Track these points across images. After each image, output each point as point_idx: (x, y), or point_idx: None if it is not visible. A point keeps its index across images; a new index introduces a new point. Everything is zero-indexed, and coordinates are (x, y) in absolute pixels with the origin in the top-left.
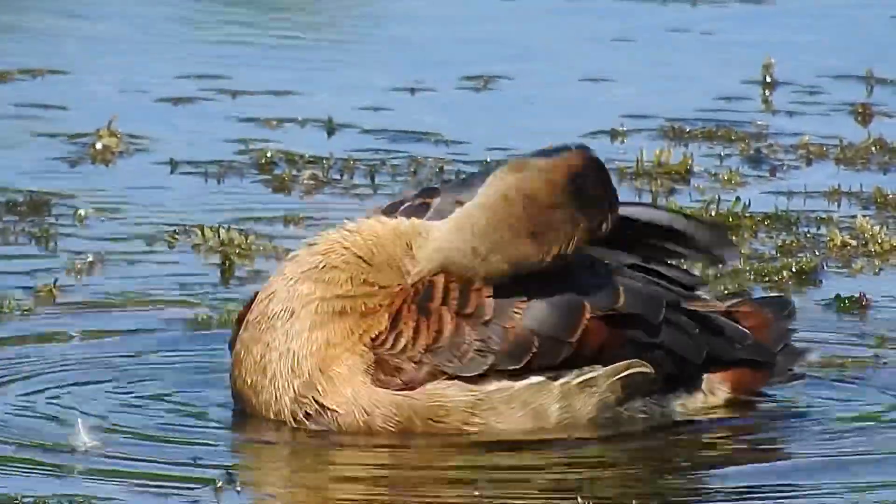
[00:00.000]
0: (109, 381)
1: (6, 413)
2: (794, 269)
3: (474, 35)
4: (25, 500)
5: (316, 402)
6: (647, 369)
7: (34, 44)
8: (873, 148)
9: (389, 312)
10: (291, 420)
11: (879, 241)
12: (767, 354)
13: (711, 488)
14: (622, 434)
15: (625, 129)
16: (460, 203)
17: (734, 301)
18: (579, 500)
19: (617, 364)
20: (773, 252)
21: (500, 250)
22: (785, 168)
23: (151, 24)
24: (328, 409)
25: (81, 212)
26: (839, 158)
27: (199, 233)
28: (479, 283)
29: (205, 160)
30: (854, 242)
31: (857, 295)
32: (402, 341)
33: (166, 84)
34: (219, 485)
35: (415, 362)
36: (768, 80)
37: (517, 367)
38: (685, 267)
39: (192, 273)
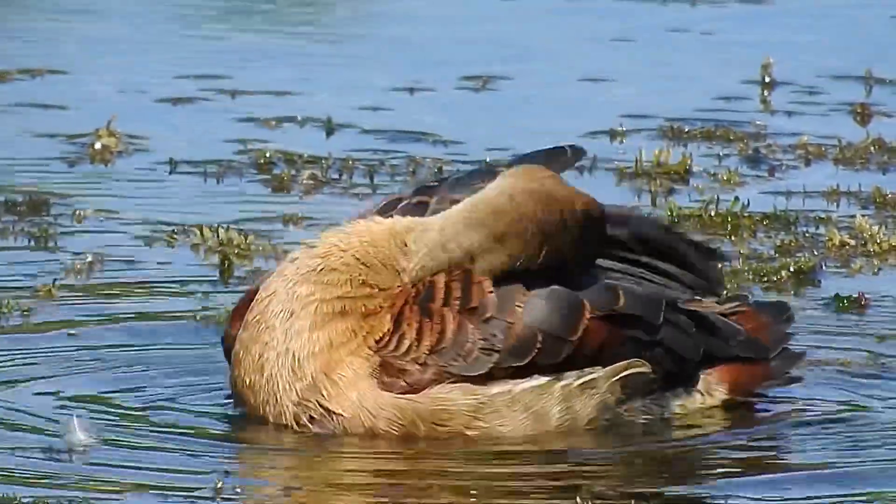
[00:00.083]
0: (109, 380)
1: (4, 412)
2: (792, 269)
3: (474, 35)
4: (25, 500)
5: (321, 405)
6: (646, 369)
7: (34, 44)
8: (872, 148)
9: (391, 314)
10: (294, 423)
11: (878, 240)
12: (761, 350)
13: (711, 488)
14: (622, 434)
15: (624, 128)
16: (457, 201)
17: (732, 305)
18: (578, 500)
19: (616, 364)
20: (772, 252)
21: (501, 250)
22: (784, 168)
23: (151, 24)
24: (334, 413)
25: (80, 212)
26: (838, 158)
27: (199, 232)
28: (478, 276)
29: (204, 160)
30: (853, 242)
31: (855, 295)
32: (406, 343)
33: (165, 84)
34: (218, 485)
35: (419, 364)
36: (767, 80)
37: (521, 363)
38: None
39: (191, 273)
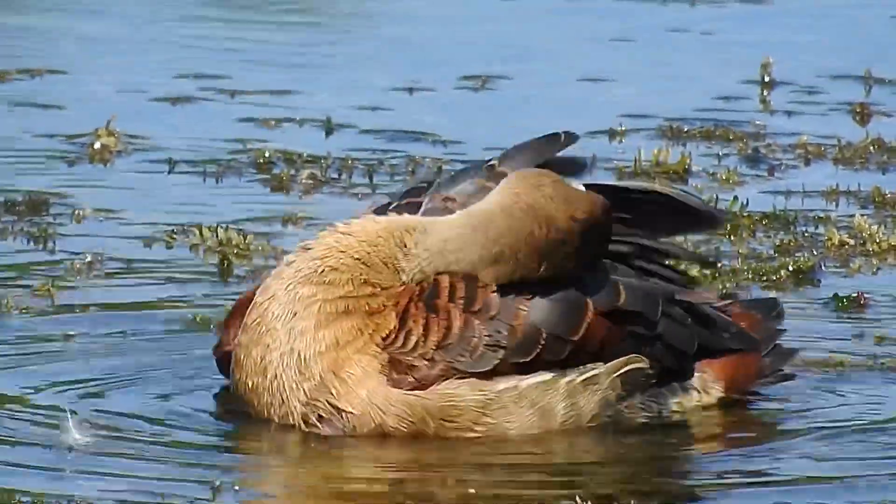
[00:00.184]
0: (108, 380)
1: (2, 412)
2: (792, 269)
3: (474, 35)
4: (24, 499)
5: (330, 404)
6: (644, 364)
7: (33, 44)
8: (871, 147)
9: (397, 311)
10: (302, 423)
11: (877, 240)
12: (753, 342)
13: (711, 488)
14: (621, 432)
15: (623, 128)
16: (449, 199)
17: (724, 303)
18: (578, 499)
19: (616, 360)
20: (772, 251)
21: (512, 258)
22: (783, 167)
23: (151, 24)
24: (343, 411)
25: (80, 211)
26: (837, 158)
27: (198, 232)
28: (482, 280)
29: (203, 160)
30: (852, 242)
31: (855, 294)
32: (413, 339)
33: (165, 84)
34: (217, 485)
35: (427, 360)
36: (767, 79)
37: (526, 359)
38: (681, 268)
39: (191, 273)
